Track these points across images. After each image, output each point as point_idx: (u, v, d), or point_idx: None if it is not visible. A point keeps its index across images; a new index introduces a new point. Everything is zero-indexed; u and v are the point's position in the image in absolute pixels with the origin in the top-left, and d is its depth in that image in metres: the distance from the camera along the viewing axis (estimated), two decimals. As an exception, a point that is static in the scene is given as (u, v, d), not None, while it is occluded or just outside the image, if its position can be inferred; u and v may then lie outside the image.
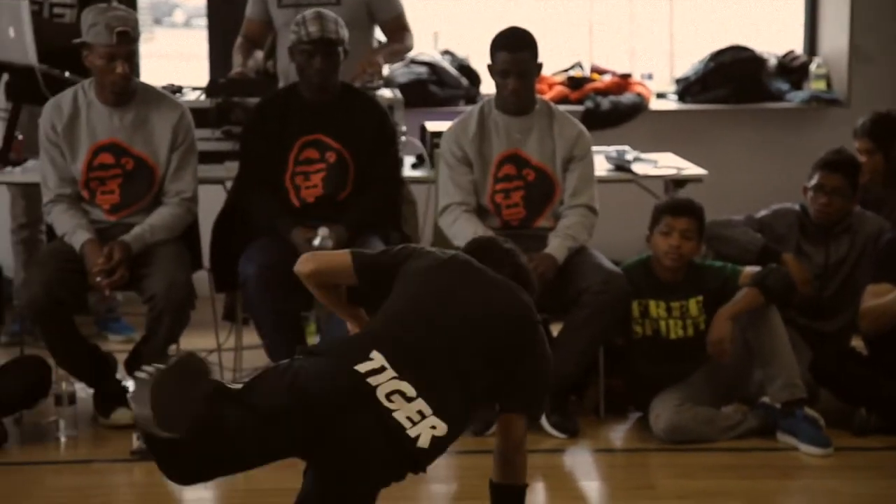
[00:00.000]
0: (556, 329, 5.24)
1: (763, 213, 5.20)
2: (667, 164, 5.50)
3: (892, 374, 4.75)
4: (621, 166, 5.42)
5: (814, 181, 5.06)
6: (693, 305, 4.83)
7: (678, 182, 5.38)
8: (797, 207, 5.15)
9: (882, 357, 4.82)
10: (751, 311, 4.72)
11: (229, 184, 5.19)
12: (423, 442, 2.99)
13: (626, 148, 5.54)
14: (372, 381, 3.01)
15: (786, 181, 5.93)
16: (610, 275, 4.72)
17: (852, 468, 4.40)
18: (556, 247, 4.78)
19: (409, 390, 3.01)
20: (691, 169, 5.46)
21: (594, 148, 5.05)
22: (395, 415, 2.98)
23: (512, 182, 4.92)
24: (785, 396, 4.65)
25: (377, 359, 3.04)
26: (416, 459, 3.00)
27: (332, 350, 3.13)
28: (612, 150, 5.51)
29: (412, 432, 2.98)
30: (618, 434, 4.71)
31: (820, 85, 6.90)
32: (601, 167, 5.33)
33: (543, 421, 4.65)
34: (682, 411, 4.67)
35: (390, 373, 3.02)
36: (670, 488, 4.23)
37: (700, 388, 4.79)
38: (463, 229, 4.81)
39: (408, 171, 5.41)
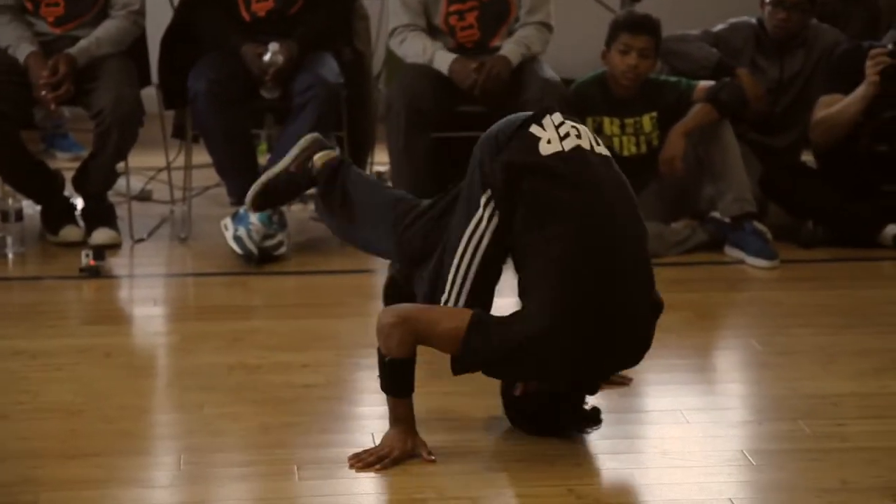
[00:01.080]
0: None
1: (720, 26, 5.15)
2: (624, -23, 5.42)
3: (840, 187, 4.78)
4: (577, -20, 5.33)
5: (773, -5, 4.99)
6: (647, 121, 4.81)
7: (635, -4, 5.31)
8: (754, 21, 5.10)
9: (830, 171, 4.84)
10: (704, 126, 4.71)
11: (177, -3, 5.08)
12: None
13: (583, -39, 5.45)
14: None
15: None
16: (546, 83, 4.66)
17: (797, 279, 4.46)
18: (510, 50, 4.73)
19: None
20: (649, -18, 5.37)
21: (551, -40, 4.96)
22: None
23: (466, 3, 4.82)
24: (734, 210, 4.67)
25: None
26: None
27: None
28: (568, -37, 5.41)
29: None
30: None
31: None
32: (556, -20, 5.24)
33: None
34: (632, 226, 4.68)
35: None
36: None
37: (650, 204, 4.78)
38: (412, 46, 4.75)
39: (360, -15, 5.32)
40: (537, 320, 2.88)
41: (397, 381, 3.03)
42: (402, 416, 3.05)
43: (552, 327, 2.86)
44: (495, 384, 3.33)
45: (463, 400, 3.40)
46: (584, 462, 3.04)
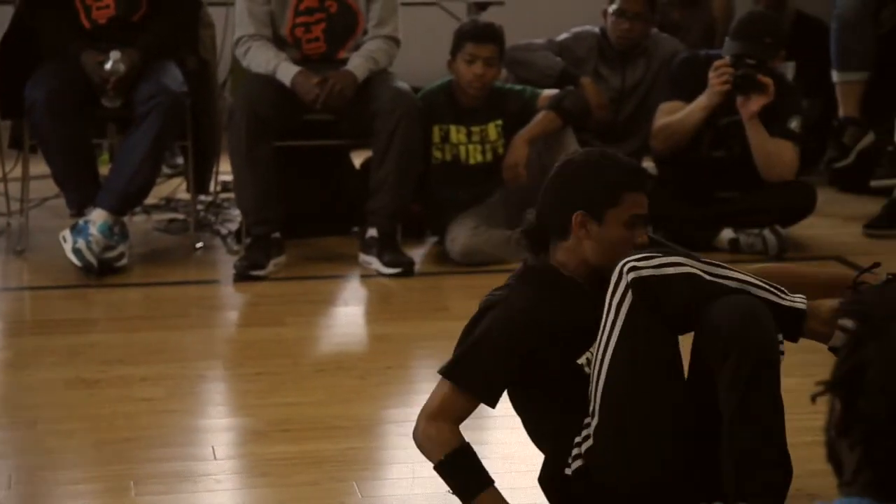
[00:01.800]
0: (357, 158, 5.24)
1: (563, 36, 5.20)
2: (469, -14, 5.44)
3: (679, 194, 4.86)
4: (422, -11, 5.34)
5: (615, 5, 5.06)
6: (492, 130, 4.83)
7: (480, 5, 5.33)
8: (597, 31, 5.16)
9: (670, 177, 4.92)
10: (547, 134, 4.75)
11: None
12: None
13: (428, -30, 5.46)
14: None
15: (586, 4, 5.92)
16: (397, 93, 4.66)
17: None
18: (357, 65, 4.69)
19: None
20: (494, -8, 5.41)
21: (396, -28, 4.96)
22: None
23: (313, 15, 4.79)
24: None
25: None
26: None
27: None
28: (414, -27, 5.42)
29: None
30: (415, 258, 4.72)
31: None
32: (403, -10, 5.24)
33: (377, 263, 4.62)
34: (477, 234, 4.71)
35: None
36: (463, 309, 4.24)
37: (495, 211, 4.83)
38: (256, 56, 4.69)
39: (204, -8, 5.26)
40: None
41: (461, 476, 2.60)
42: None
43: None
44: (335, 393, 3.30)
45: (304, 409, 3.38)
46: (420, 470, 3.03)
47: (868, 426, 1.52)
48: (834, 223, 5.19)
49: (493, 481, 2.62)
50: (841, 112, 5.46)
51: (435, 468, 2.62)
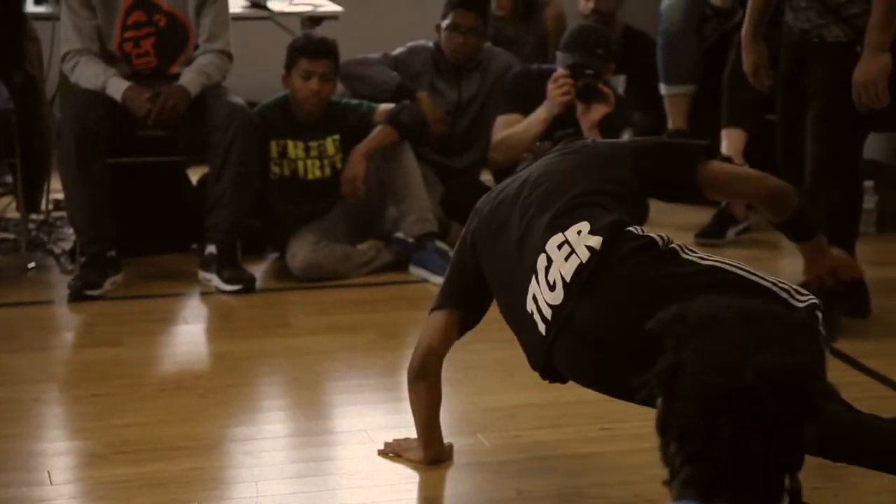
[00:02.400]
0: (194, 174, 5.18)
1: (399, 50, 5.22)
2: (304, 1, 5.42)
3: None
4: (257, 3, 5.30)
5: (448, 20, 5.10)
6: (330, 144, 4.82)
7: (314, 19, 5.31)
8: (431, 45, 5.19)
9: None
10: (384, 148, 4.76)
11: None
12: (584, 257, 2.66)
13: (262, -16, 5.43)
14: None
15: (420, 18, 5.95)
16: (232, 108, 4.62)
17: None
18: (189, 80, 4.63)
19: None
20: (328, 6, 5.40)
21: (228, -15, 4.91)
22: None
23: (142, 29, 4.70)
24: (417, 231, 4.74)
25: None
26: None
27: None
28: (248, -14, 5.38)
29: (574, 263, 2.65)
30: (256, 274, 4.68)
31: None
32: (236, 4, 5.20)
33: (216, 280, 4.56)
34: (318, 249, 4.70)
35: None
36: (305, 325, 4.26)
37: (336, 226, 4.82)
38: (85, 72, 4.59)
39: (31, 7, 5.14)
40: None
41: None
42: None
43: None
44: (176, 413, 3.25)
45: (144, 430, 3.32)
46: (265, 489, 3.01)
47: (680, 424, 1.58)
48: (667, 233, 5.27)
49: None
50: (670, 124, 5.59)
51: None
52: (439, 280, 4.62)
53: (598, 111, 4.66)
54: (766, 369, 1.55)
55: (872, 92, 3.83)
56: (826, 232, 3.92)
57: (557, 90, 4.73)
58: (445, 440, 3.17)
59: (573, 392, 3.34)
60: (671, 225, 5.41)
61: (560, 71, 4.75)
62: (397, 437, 3.22)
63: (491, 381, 3.70)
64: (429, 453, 3.12)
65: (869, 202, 5.15)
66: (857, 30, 3.90)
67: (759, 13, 4.02)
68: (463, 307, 3.04)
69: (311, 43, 4.78)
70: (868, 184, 5.12)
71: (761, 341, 1.58)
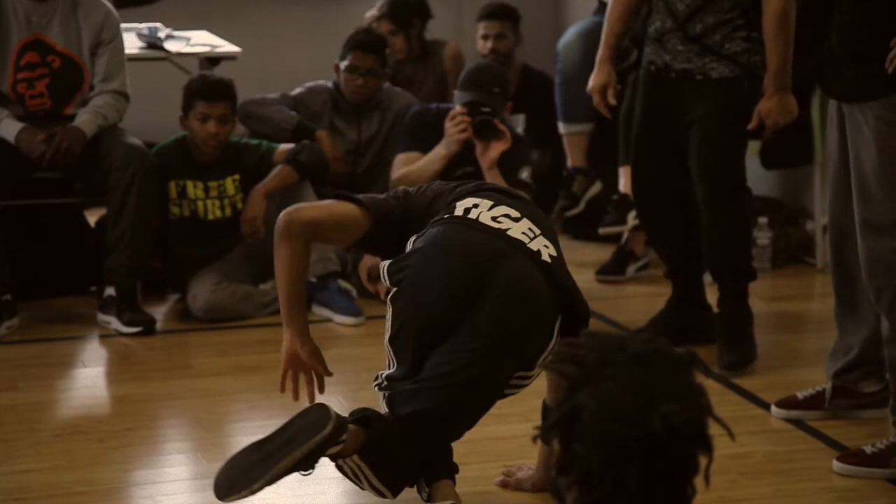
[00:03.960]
0: (92, 216, 5.11)
1: (298, 90, 5.21)
2: (201, 41, 5.39)
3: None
4: (153, 44, 5.26)
5: (347, 62, 5.11)
6: (230, 184, 4.79)
7: (212, 60, 5.29)
8: (330, 85, 5.20)
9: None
10: (284, 187, 4.74)
11: None
12: (545, 257, 3.00)
13: (159, 25, 5.38)
14: (474, 212, 3.01)
15: (319, 58, 5.96)
16: (129, 149, 4.58)
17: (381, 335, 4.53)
18: (85, 121, 4.57)
19: (513, 212, 3.04)
20: (226, 46, 5.38)
21: (124, 26, 4.87)
22: (509, 232, 2.99)
23: (35, 70, 4.64)
24: (319, 270, 4.72)
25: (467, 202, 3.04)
26: (560, 288, 2.97)
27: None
28: (144, 27, 5.33)
29: (532, 246, 3.00)
30: (157, 316, 4.62)
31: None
32: (132, 45, 5.15)
33: (116, 323, 4.50)
34: (219, 290, 4.66)
35: (487, 203, 3.04)
36: (207, 366, 4.22)
37: (237, 266, 4.79)
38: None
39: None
40: None
41: None
42: None
43: None
44: (73, 458, 3.19)
45: (41, 476, 3.26)
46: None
47: (582, 470, 1.57)
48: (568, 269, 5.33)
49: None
50: (569, 162, 5.65)
51: None
52: (343, 319, 4.64)
53: (496, 148, 4.70)
54: (673, 422, 1.56)
55: (771, 125, 3.96)
56: (723, 257, 4.07)
57: (454, 128, 4.76)
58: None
59: (476, 429, 3.34)
60: (572, 262, 5.44)
61: (457, 108, 4.78)
62: (302, 480, 3.16)
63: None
64: (290, 330, 3.12)
65: (763, 238, 5.24)
66: (740, 66, 4.03)
67: (617, 37, 4.18)
68: (378, 222, 3.05)
69: (207, 85, 4.75)
70: (762, 220, 5.22)
71: (663, 389, 1.59)
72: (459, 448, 3.40)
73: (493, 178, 4.69)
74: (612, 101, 4.18)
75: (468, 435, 3.31)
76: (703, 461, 1.60)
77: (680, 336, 4.15)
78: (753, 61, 4.07)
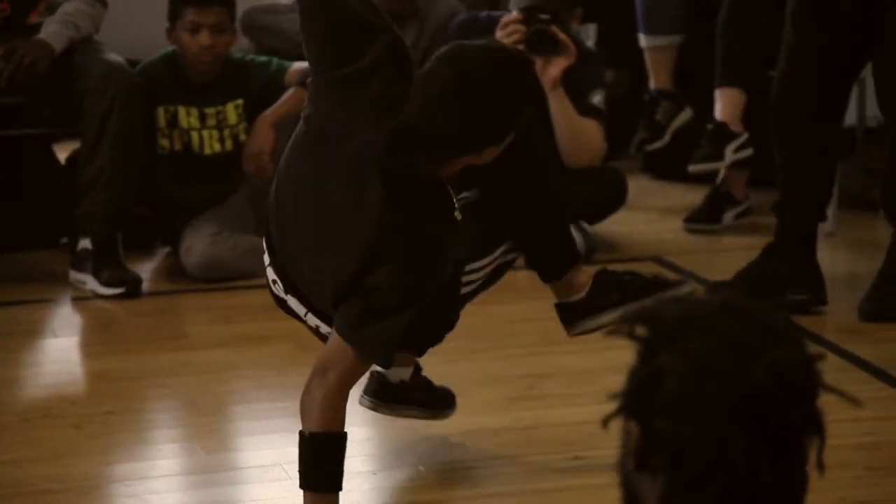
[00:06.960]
0: (63, 151, 5.16)
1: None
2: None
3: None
4: (137, -63, 5.29)
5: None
6: (231, 111, 4.82)
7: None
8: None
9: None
10: (297, 115, 4.75)
11: None
12: None
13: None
14: None
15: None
16: (108, 67, 4.60)
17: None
18: (53, 32, 4.60)
19: None
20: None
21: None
22: None
23: (-10, -30, 4.69)
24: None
25: None
26: None
27: None
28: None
29: None
30: (143, 274, 4.67)
31: None
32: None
33: (92, 282, 4.55)
34: (218, 242, 4.69)
35: None
36: (205, 336, 4.27)
37: (240, 212, 4.83)
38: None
39: None
40: None
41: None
42: None
43: None
44: (42, 448, 3.24)
45: (3, 470, 3.31)
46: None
47: (671, 447, 1.56)
48: (649, 217, 5.34)
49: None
50: (652, 84, 5.62)
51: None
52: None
53: (558, 65, 4.67)
54: (780, 368, 1.54)
55: None
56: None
57: (506, 38, 4.75)
58: (377, 473, 3.16)
59: (533, 414, 3.36)
60: (655, 208, 5.45)
61: (511, 15, 4.77)
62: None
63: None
64: None
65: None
66: None
67: None
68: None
69: (198, -12, 4.76)
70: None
71: (765, 339, 1.58)
72: (514, 437, 3.43)
73: (557, 100, 4.67)
74: None
75: (525, 419, 3.34)
76: (814, 439, 1.57)
77: (772, 292, 4.15)
78: None
